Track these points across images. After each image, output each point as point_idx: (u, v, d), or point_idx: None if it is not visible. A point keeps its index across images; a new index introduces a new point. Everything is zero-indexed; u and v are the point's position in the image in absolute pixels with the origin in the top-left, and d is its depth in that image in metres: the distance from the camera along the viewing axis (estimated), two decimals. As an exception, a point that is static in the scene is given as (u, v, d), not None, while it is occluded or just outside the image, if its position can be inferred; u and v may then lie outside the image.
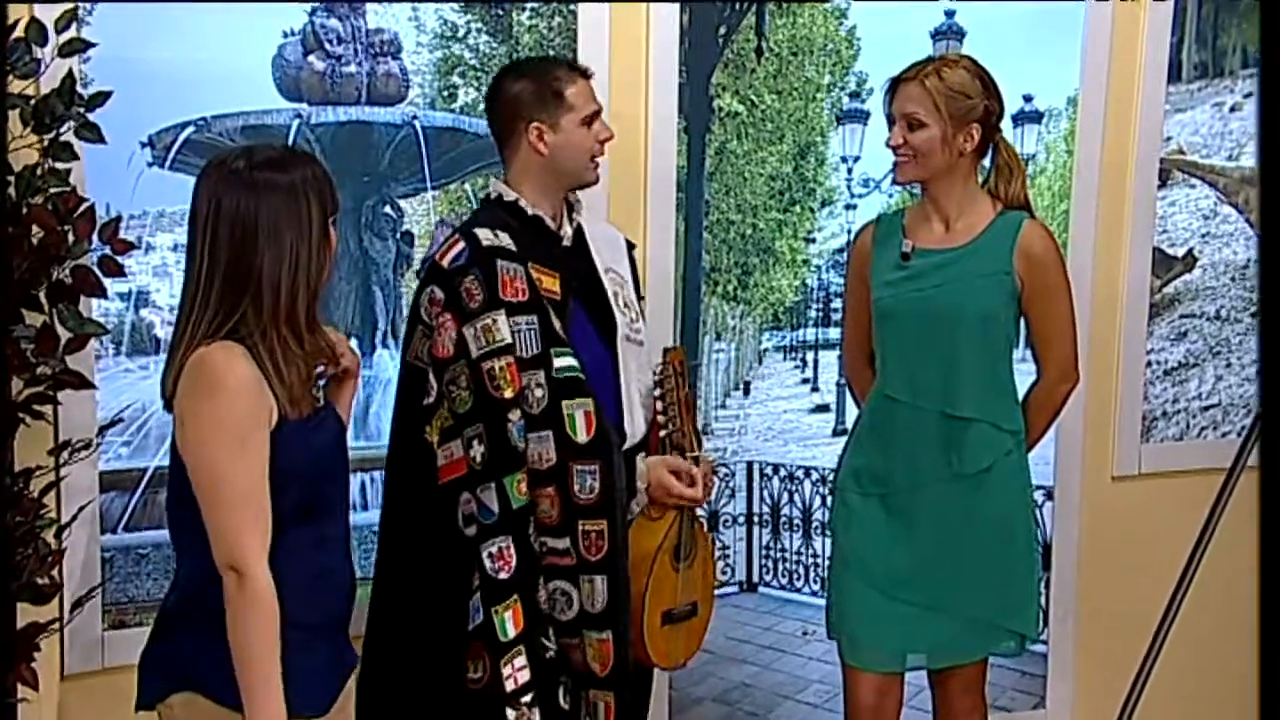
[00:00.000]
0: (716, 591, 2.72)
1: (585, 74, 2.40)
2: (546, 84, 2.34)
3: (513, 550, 2.23)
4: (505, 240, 2.31)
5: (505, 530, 2.23)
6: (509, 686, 2.22)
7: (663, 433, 2.42)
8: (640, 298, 2.59)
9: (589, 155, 2.38)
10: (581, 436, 2.26)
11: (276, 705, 1.79)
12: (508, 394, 2.23)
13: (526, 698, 2.23)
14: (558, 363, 2.28)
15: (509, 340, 2.24)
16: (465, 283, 2.25)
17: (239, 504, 1.77)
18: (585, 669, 2.30)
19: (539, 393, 2.26)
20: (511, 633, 2.23)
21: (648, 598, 2.38)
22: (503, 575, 2.23)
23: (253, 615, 1.77)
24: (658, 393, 2.42)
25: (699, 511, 2.53)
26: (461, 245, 2.29)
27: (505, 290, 2.27)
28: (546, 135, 2.34)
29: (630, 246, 2.59)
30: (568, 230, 2.43)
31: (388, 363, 2.76)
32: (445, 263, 2.28)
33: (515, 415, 2.24)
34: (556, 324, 2.30)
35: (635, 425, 2.42)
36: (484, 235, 2.30)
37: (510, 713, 2.22)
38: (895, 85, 2.48)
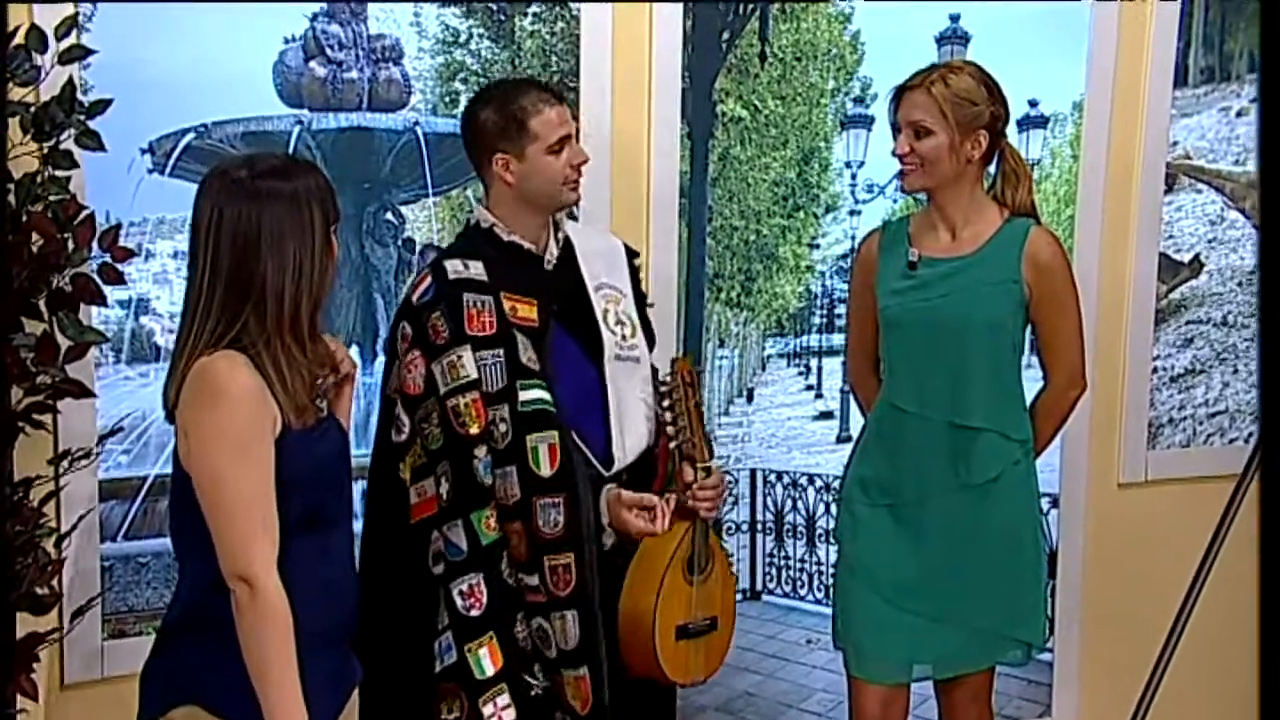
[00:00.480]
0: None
1: (557, 98, 2.34)
2: (510, 114, 2.28)
3: (483, 587, 2.20)
4: (475, 270, 2.28)
5: (475, 567, 2.21)
6: None
7: (673, 444, 2.39)
8: (649, 305, 2.56)
9: (559, 181, 2.32)
10: (545, 470, 2.22)
11: (299, 717, 1.78)
12: (473, 430, 2.21)
13: None
14: (523, 395, 2.24)
15: (474, 376, 2.22)
16: (432, 319, 2.24)
17: (245, 513, 1.76)
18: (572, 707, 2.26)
19: (503, 427, 2.23)
20: (489, 670, 2.20)
21: (658, 611, 2.35)
22: (475, 613, 2.20)
23: (266, 626, 1.76)
24: (665, 403, 2.39)
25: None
26: (429, 281, 2.28)
27: (471, 324, 2.24)
28: (512, 165, 2.30)
29: (632, 255, 2.55)
30: (553, 251, 2.39)
31: (389, 370, 2.75)
32: (415, 298, 2.28)
33: (481, 451, 2.21)
34: (525, 356, 2.27)
35: (626, 448, 2.38)
36: (452, 268, 2.28)
37: None
38: (900, 94, 2.46)
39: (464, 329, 2.23)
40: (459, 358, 2.22)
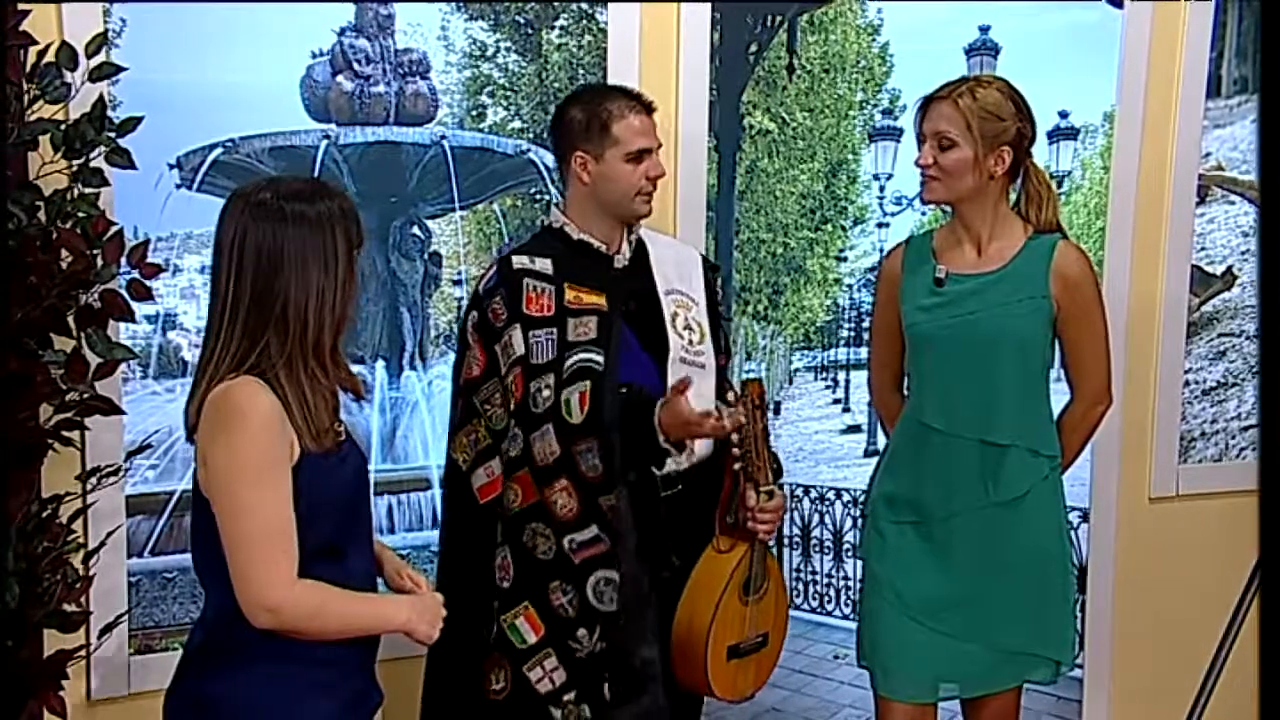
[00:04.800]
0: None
1: (647, 108, 2.37)
2: (595, 114, 2.33)
3: (510, 559, 2.31)
4: (542, 265, 2.35)
5: (502, 540, 2.32)
6: (544, 689, 2.29)
7: (736, 465, 2.37)
8: (726, 319, 2.59)
9: (633, 191, 2.35)
10: (576, 417, 2.28)
11: (392, 610, 1.88)
12: (510, 405, 2.31)
13: (569, 695, 2.30)
14: (570, 360, 2.30)
15: (520, 353, 2.30)
16: (492, 304, 2.33)
17: (266, 542, 1.74)
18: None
19: (546, 393, 2.29)
20: (531, 639, 2.30)
21: (713, 632, 2.35)
22: (505, 584, 2.31)
23: (317, 623, 1.78)
24: None
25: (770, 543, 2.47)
26: (494, 270, 2.37)
27: (529, 305, 2.32)
28: (590, 166, 2.35)
29: (712, 269, 2.58)
30: (625, 253, 2.42)
31: (415, 384, 2.75)
32: (480, 288, 2.37)
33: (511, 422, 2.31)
34: (574, 333, 2.31)
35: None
36: (517, 260, 2.36)
37: (556, 712, 2.29)
38: (927, 104, 2.44)
39: (521, 309, 2.31)
40: (510, 337, 2.30)
